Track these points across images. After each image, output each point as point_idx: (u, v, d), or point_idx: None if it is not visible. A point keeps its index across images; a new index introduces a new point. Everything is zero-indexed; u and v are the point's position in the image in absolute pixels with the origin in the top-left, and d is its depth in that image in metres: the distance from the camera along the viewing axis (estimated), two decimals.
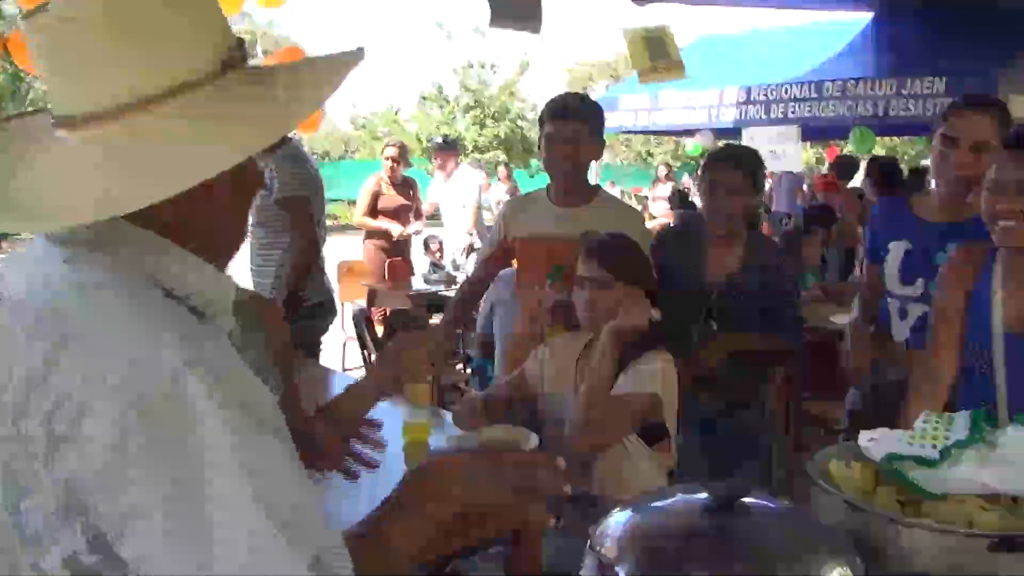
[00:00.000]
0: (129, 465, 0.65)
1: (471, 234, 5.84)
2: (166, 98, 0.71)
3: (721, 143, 5.05)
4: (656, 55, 5.05)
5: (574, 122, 2.32)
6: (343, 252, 5.91)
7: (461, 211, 5.97)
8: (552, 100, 2.41)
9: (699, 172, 2.36)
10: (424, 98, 21.61)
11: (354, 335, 4.23)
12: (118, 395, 0.66)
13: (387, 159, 5.51)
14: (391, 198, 5.50)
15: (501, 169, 9.51)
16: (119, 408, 0.65)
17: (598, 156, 2.46)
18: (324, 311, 3.39)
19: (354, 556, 0.73)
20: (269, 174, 3.15)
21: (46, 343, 0.68)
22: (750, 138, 6.78)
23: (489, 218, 6.54)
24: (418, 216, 5.68)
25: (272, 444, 0.71)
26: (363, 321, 4.03)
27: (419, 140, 21.14)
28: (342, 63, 0.81)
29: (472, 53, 22.14)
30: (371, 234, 5.55)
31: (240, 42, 0.79)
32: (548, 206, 2.45)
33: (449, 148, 6.26)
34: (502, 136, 20.58)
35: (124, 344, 0.68)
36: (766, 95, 6.80)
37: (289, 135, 3.37)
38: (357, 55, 0.83)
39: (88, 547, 0.67)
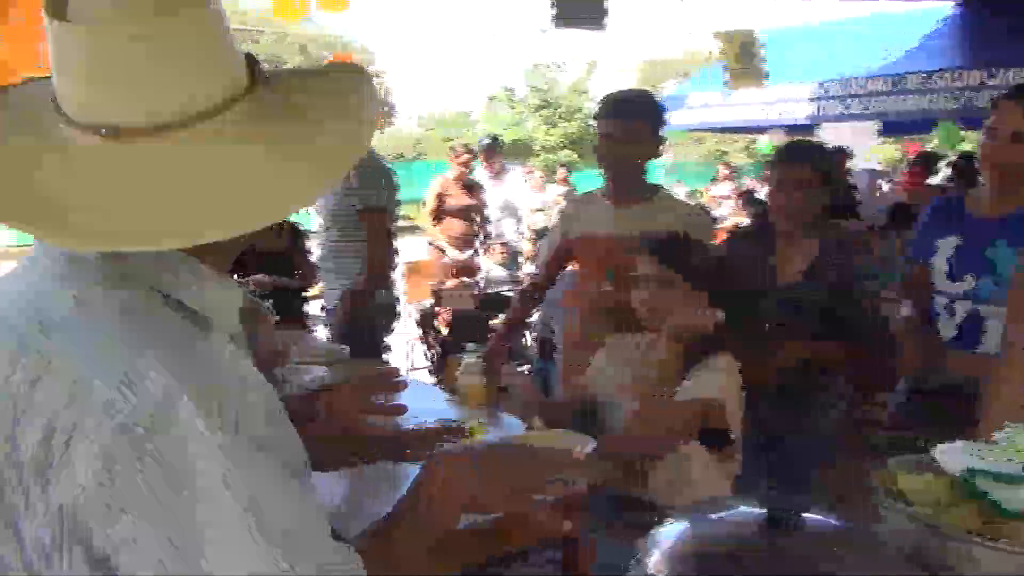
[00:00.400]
0: (119, 494, 0.63)
1: (517, 238, 5.81)
2: (217, 113, 0.69)
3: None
4: (746, 56, 4.96)
5: (628, 120, 2.26)
6: (412, 252, 5.96)
7: (503, 213, 5.95)
8: (605, 97, 2.36)
9: (766, 170, 2.28)
10: (493, 99, 21.70)
11: (419, 336, 4.25)
12: (106, 419, 0.64)
13: (454, 160, 5.53)
14: (457, 199, 5.52)
15: (559, 171, 9.33)
16: (108, 434, 0.63)
17: (656, 154, 2.39)
18: (388, 312, 3.41)
19: (365, 558, 0.74)
20: (347, 181, 3.19)
21: (30, 362, 0.66)
22: (826, 135, 6.55)
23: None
24: (483, 219, 5.67)
25: (265, 465, 0.69)
26: (427, 322, 4.04)
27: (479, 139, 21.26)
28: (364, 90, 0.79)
29: (540, 54, 22.11)
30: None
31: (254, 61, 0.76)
32: (605, 206, 2.40)
33: (495, 148, 6.24)
34: (572, 135, 20.51)
35: (112, 364, 0.65)
36: (842, 89, 6.55)
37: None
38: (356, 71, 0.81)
39: (91, 569, 0.66)
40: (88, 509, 0.63)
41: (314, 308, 4.14)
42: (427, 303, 4.95)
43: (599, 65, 21.05)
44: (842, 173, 6.48)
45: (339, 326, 3.30)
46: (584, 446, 1.90)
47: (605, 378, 2.12)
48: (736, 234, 2.48)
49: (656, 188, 2.44)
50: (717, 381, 1.87)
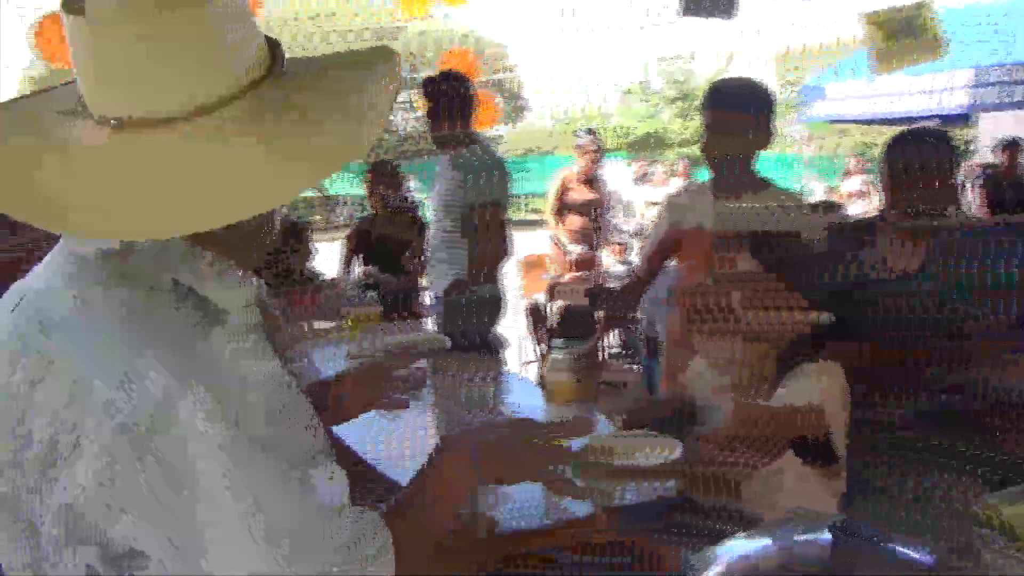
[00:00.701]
0: (119, 494, 0.64)
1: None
2: (221, 107, 0.70)
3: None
4: (904, 34, 4.61)
5: (733, 110, 2.15)
6: (536, 246, 5.98)
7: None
8: (710, 86, 2.25)
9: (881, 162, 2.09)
10: (626, 92, 21.43)
11: (530, 330, 4.23)
12: (106, 419, 0.64)
13: (579, 155, 5.49)
14: (579, 192, 5.48)
15: (679, 164, 8.93)
16: (108, 434, 0.64)
17: (764, 146, 2.26)
18: (493, 305, 3.41)
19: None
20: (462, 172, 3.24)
21: (30, 362, 0.68)
22: (985, 125, 6.02)
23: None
24: (604, 215, 5.60)
25: (265, 465, 0.68)
26: (538, 316, 4.03)
27: (618, 136, 21.00)
28: (384, 75, 0.78)
29: (675, 45, 21.58)
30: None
31: (277, 45, 0.76)
32: (709, 198, 2.29)
33: (591, 140, 6.08)
34: None
35: (111, 364, 0.66)
36: (1004, 75, 5.97)
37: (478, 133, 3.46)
38: (385, 55, 0.80)
39: (101, 563, 0.67)
40: (90, 509, 0.65)
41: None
42: (541, 297, 4.93)
43: (736, 56, 20.29)
44: (1012, 167, 5.95)
45: (444, 317, 3.34)
46: (672, 450, 1.83)
47: (703, 380, 2.03)
48: (840, 229, 2.29)
49: (765, 182, 2.31)
50: (816, 388, 1.74)
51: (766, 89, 2.30)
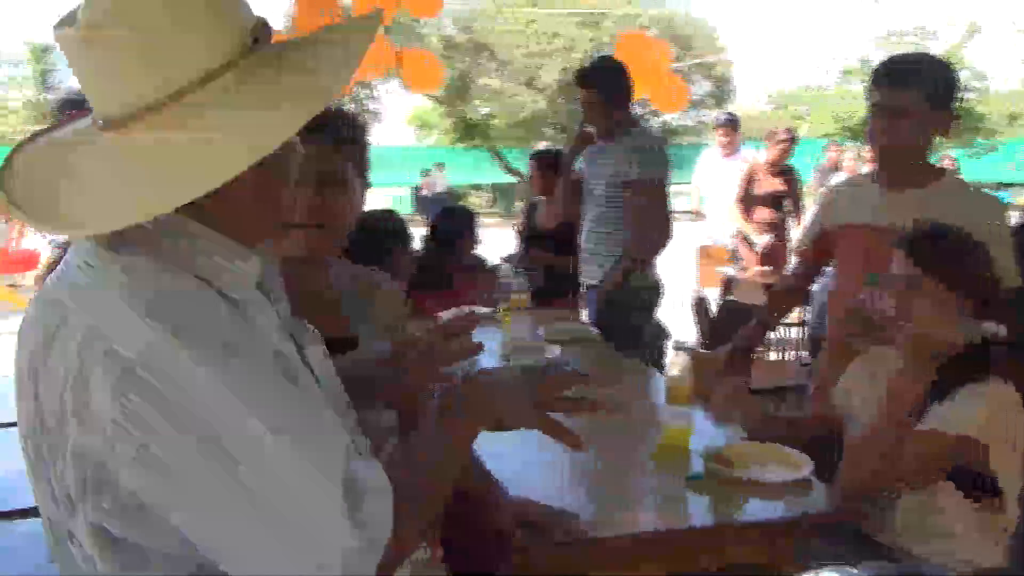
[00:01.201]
0: (128, 437, 0.68)
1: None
2: (185, 94, 0.72)
3: None
4: None
5: (905, 89, 1.89)
6: (715, 236, 5.69)
7: (721, 199, 5.40)
8: (883, 63, 1.99)
9: None
10: (847, 72, 19.89)
11: (695, 323, 4.05)
12: (112, 364, 0.68)
13: (771, 144, 5.15)
14: (767, 183, 5.14)
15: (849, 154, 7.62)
16: (113, 377, 0.68)
17: (943, 131, 1.97)
18: (651, 293, 3.31)
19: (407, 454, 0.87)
20: (618, 158, 3.20)
21: (49, 322, 0.74)
22: None
23: None
24: (796, 208, 5.23)
25: (276, 381, 0.74)
26: (702, 309, 3.84)
27: (837, 120, 19.58)
28: (359, 36, 0.77)
29: (906, 19, 19.67)
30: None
31: (263, 24, 0.77)
32: (873, 191, 2.04)
33: (731, 123, 5.68)
34: None
35: (118, 315, 0.70)
36: None
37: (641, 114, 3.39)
38: (371, 22, 0.78)
39: (113, 515, 0.71)
40: (100, 456, 0.69)
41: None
42: (712, 291, 4.68)
43: (982, 28, 18.14)
44: None
45: (599, 305, 3.28)
46: (801, 468, 1.67)
47: (853, 394, 1.84)
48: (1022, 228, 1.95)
49: (940, 172, 2.02)
50: (978, 412, 1.51)
51: (946, 66, 2.01)
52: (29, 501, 0.80)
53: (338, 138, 1.27)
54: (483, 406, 0.95)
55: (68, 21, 0.73)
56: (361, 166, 1.31)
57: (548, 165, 3.99)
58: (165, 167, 0.71)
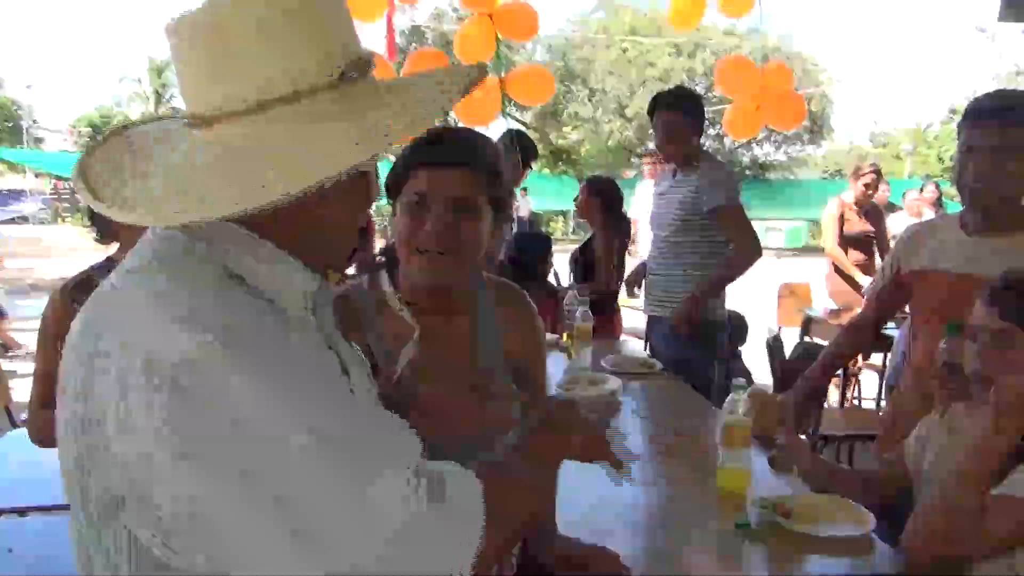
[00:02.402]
0: (182, 441, 0.67)
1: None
2: (277, 104, 0.74)
3: None
4: None
5: (1005, 127, 1.77)
6: (801, 273, 5.52)
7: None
8: (976, 99, 1.88)
9: None
10: (954, 112, 19.09)
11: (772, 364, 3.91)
12: (149, 370, 0.68)
13: (859, 182, 4.94)
14: (855, 224, 4.94)
15: (930, 189, 6.62)
16: (151, 389, 0.68)
17: None
18: (717, 329, 3.23)
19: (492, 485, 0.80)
20: (697, 186, 3.19)
21: (93, 329, 0.75)
22: None
23: None
24: (882, 247, 4.99)
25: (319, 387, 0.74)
26: (776, 349, 3.70)
27: (941, 160, 18.80)
28: (457, 78, 0.79)
29: (1021, 57, 18.76)
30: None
31: (364, 60, 0.78)
32: (958, 234, 1.91)
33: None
34: None
35: (153, 323, 0.70)
36: None
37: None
38: (473, 70, 0.80)
39: (144, 527, 0.71)
40: (143, 465, 0.69)
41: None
42: (791, 330, 4.49)
43: None
44: None
45: (666, 335, 3.22)
46: (863, 524, 1.58)
47: (928, 450, 1.72)
48: None
49: None
50: None
51: None
52: (36, 499, 0.81)
53: (475, 167, 1.27)
54: (573, 432, 1.01)
55: (180, 20, 0.76)
56: (497, 196, 1.31)
57: (597, 192, 3.99)
58: (247, 169, 0.72)
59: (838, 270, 4.94)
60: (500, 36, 4.59)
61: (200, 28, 0.75)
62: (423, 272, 1.27)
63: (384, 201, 1.34)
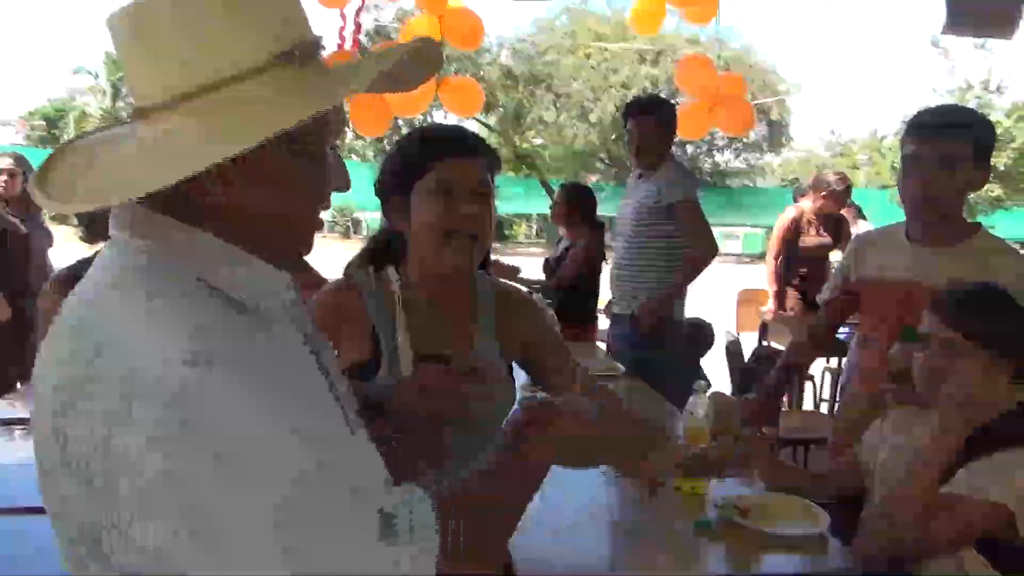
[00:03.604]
0: (159, 459, 0.66)
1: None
2: (203, 93, 0.74)
3: None
4: None
5: (945, 141, 1.84)
6: (759, 280, 5.57)
7: None
8: (918, 113, 1.95)
9: None
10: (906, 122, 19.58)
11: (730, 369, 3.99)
12: (136, 393, 0.66)
13: (818, 190, 4.88)
14: (810, 237, 4.85)
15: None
16: (142, 407, 0.66)
17: (979, 186, 1.92)
18: (678, 330, 3.31)
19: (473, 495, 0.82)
20: (659, 185, 3.26)
21: (78, 349, 0.71)
22: None
23: None
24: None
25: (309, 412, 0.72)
26: (734, 354, 3.78)
27: (894, 169, 19.24)
28: (392, 55, 0.78)
29: (974, 72, 19.34)
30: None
31: (308, 44, 0.77)
32: (904, 245, 1.99)
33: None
34: (1001, 168, 17.61)
35: (134, 349, 0.69)
36: None
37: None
38: (423, 46, 0.80)
39: (129, 553, 0.69)
40: (135, 483, 0.66)
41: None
42: (749, 335, 4.57)
43: None
44: None
45: (627, 334, 3.28)
46: (819, 522, 1.63)
47: (879, 451, 1.78)
48: None
49: (974, 227, 1.96)
50: (1009, 481, 1.45)
51: (986, 119, 1.97)
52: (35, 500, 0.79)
53: (489, 158, 1.39)
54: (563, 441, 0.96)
55: (116, 14, 0.76)
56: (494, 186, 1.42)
57: (572, 198, 4.10)
58: (160, 153, 0.74)
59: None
60: (446, 40, 4.62)
61: (133, 21, 0.76)
62: (456, 254, 1.35)
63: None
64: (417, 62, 0.86)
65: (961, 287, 1.62)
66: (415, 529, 0.73)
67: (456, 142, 1.38)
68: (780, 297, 4.70)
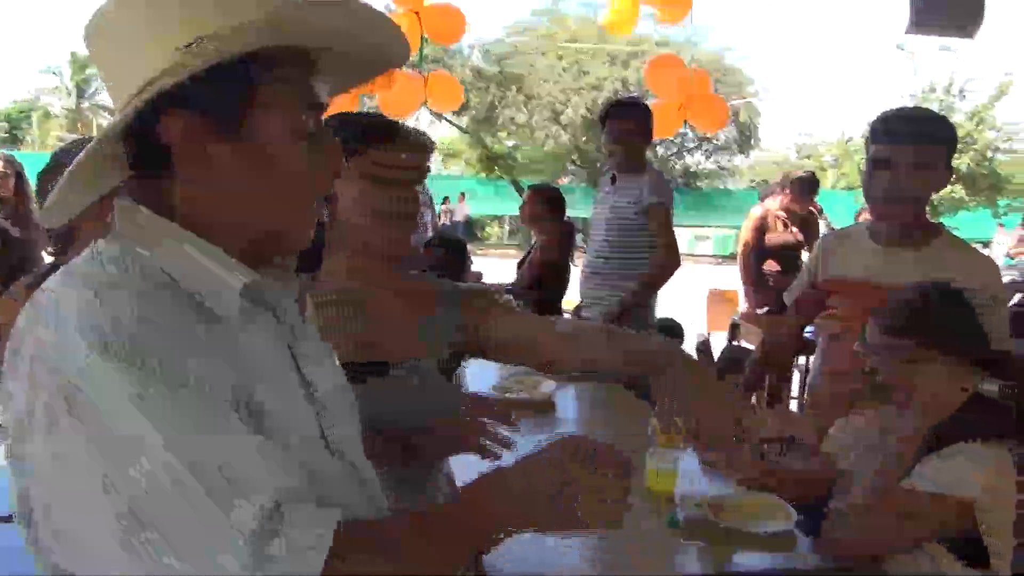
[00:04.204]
0: (49, 443, 0.66)
1: None
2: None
3: None
4: None
5: (911, 143, 1.88)
6: (729, 280, 5.64)
7: None
8: (881, 116, 1.99)
9: None
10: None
11: None
12: (48, 371, 0.67)
13: (784, 188, 4.99)
14: (776, 235, 4.94)
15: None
16: (47, 392, 0.67)
17: (942, 187, 1.97)
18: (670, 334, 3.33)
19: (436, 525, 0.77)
20: (638, 189, 3.28)
21: (16, 335, 0.72)
22: None
23: None
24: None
25: (195, 407, 0.68)
26: (706, 353, 3.82)
27: (862, 170, 19.53)
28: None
29: (938, 75, 19.65)
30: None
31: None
32: (869, 245, 2.02)
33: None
34: (963, 170, 17.93)
35: (67, 332, 0.68)
36: None
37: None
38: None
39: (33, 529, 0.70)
40: (35, 468, 0.68)
41: None
42: (719, 335, 4.62)
43: (1013, 87, 18.00)
44: None
45: None
46: (788, 519, 1.65)
47: (845, 449, 1.81)
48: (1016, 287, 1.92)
49: (937, 229, 2.01)
50: (973, 475, 1.48)
51: (945, 121, 2.01)
52: None
53: (425, 142, 1.37)
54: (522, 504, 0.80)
55: (86, 26, 0.77)
56: None
57: (541, 199, 4.12)
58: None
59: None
60: (427, 36, 4.61)
61: (96, 31, 0.76)
62: (405, 235, 1.36)
63: None
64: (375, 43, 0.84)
65: (920, 292, 1.64)
66: (293, 553, 0.65)
67: (387, 125, 1.35)
68: (751, 296, 4.76)
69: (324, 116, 0.84)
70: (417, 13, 4.46)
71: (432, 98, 4.94)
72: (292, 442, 0.77)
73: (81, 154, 0.76)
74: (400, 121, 1.42)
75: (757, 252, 4.87)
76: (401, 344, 1.33)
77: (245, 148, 0.76)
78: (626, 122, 3.36)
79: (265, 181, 0.78)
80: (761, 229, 4.89)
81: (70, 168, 0.77)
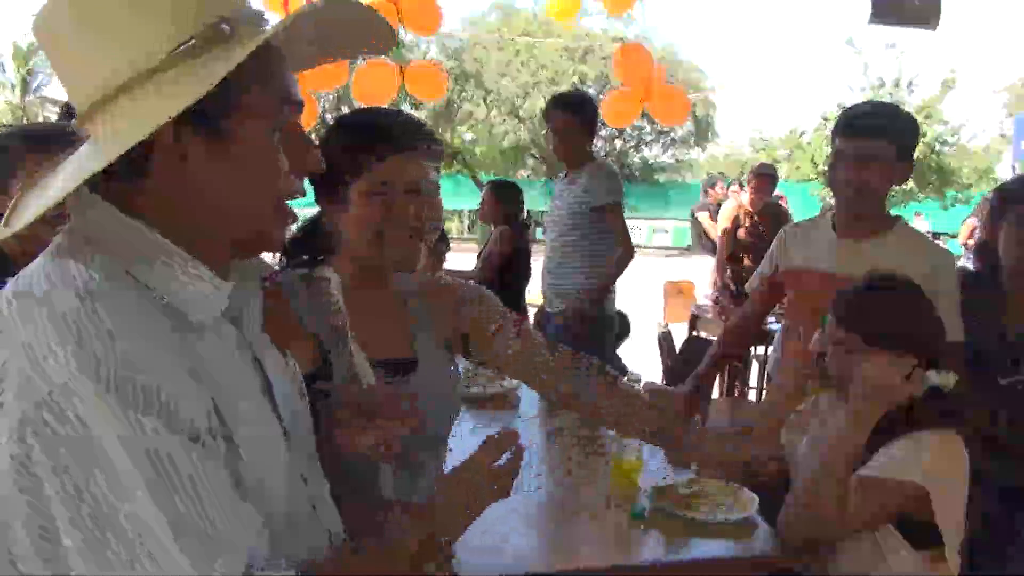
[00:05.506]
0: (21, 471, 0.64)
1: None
2: (120, 94, 0.71)
3: None
4: None
5: (870, 138, 1.92)
6: (683, 272, 5.71)
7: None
8: (847, 110, 2.03)
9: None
10: (826, 119, 20.25)
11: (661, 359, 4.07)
12: (17, 396, 0.64)
13: (751, 185, 5.10)
14: (745, 230, 5.08)
15: None
16: (20, 410, 0.64)
17: (901, 180, 2.02)
18: (608, 325, 3.35)
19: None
20: (585, 185, 3.30)
21: None
22: None
23: None
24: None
25: (184, 456, 0.66)
26: (668, 345, 3.86)
27: (815, 163, 19.92)
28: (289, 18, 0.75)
29: (886, 71, 20.09)
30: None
31: (214, 27, 0.72)
32: (829, 235, 2.07)
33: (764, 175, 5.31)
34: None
35: (43, 344, 0.65)
36: None
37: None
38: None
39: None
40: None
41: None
42: (678, 326, 4.68)
43: (957, 85, 18.55)
44: None
45: (556, 331, 3.30)
46: (748, 507, 1.68)
47: (802, 437, 1.84)
48: (964, 280, 1.98)
49: (893, 220, 2.06)
50: (920, 461, 1.52)
51: (910, 117, 2.07)
52: None
53: (436, 150, 1.35)
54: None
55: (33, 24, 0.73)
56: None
57: (499, 195, 4.15)
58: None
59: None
60: (404, 26, 4.59)
61: (44, 30, 0.73)
62: (398, 251, 1.33)
63: None
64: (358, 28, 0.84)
65: (856, 288, 1.67)
66: None
67: (396, 137, 1.31)
68: (720, 287, 4.90)
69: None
70: (395, 3, 4.43)
71: (412, 88, 4.89)
72: (259, 459, 0.76)
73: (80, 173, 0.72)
74: (414, 120, 1.37)
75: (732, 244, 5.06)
76: None
77: (222, 147, 0.74)
78: (564, 117, 3.34)
79: (241, 181, 0.76)
80: (736, 221, 5.07)
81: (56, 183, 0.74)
